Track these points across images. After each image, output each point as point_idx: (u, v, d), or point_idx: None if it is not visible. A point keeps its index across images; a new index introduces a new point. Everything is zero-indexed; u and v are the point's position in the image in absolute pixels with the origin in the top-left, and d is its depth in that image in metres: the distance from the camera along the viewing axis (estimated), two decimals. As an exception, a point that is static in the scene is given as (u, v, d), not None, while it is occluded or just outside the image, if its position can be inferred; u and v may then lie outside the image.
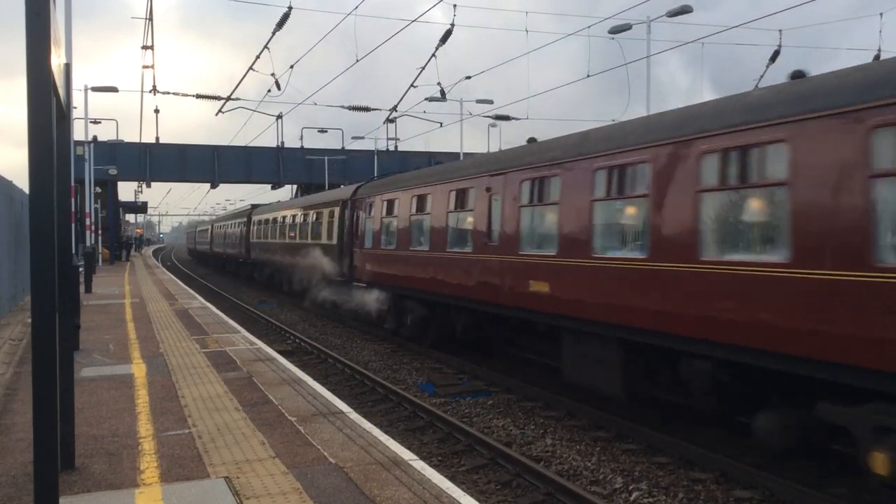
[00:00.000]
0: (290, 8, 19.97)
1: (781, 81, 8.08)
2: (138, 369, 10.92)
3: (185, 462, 6.52)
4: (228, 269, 49.36)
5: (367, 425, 7.78)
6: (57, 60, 4.42)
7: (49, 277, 3.87)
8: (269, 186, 56.36)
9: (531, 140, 13.15)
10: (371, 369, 14.68)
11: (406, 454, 6.77)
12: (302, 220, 26.83)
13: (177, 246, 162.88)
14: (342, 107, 37.42)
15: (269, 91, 25.49)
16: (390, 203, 17.36)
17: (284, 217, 30.08)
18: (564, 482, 7.74)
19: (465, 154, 39.12)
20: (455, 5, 20.60)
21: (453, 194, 14.18)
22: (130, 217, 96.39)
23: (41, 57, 3.78)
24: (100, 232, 45.19)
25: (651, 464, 8.63)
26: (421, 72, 26.08)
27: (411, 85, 27.50)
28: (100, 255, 42.39)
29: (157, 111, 44.93)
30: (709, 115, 8.26)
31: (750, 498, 7.52)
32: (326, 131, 48.97)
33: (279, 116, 43.39)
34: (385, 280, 17.57)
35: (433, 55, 23.68)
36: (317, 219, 24.51)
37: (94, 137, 41.24)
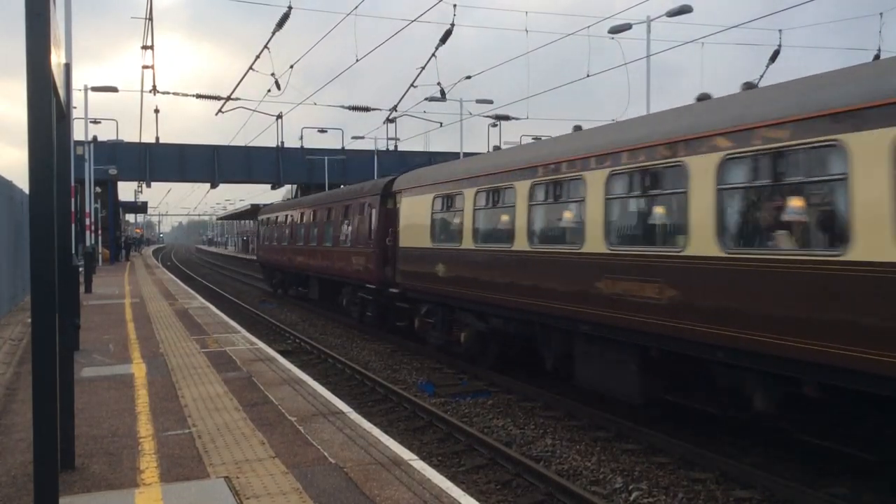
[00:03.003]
0: (289, 8, 19.95)
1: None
2: (138, 369, 10.92)
3: (185, 462, 6.52)
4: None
5: (367, 425, 7.78)
6: (57, 60, 4.42)
7: (49, 277, 3.87)
8: (269, 186, 56.44)
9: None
10: (371, 369, 14.67)
11: (406, 454, 6.77)
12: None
13: (177, 246, 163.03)
14: (342, 106, 37.43)
15: (268, 91, 25.48)
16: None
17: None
18: (564, 482, 7.74)
19: (465, 154, 39.11)
20: (455, 5, 20.57)
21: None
22: (130, 217, 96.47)
23: (41, 57, 3.79)
24: (100, 232, 45.20)
25: (651, 464, 8.63)
26: (421, 71, 26.04)
27: (411, 85, 27.45)
28: (100, 255, 42.41)
29: (156, 111, 44.82)
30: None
31: (750, 498, 7.52)
32: (326, 131, 49.04)
33: (279, 116, 43.37)
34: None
35: (433, 55, 23.64)
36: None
37: (94, 137, 41.25)
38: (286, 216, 29.66)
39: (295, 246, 27.36)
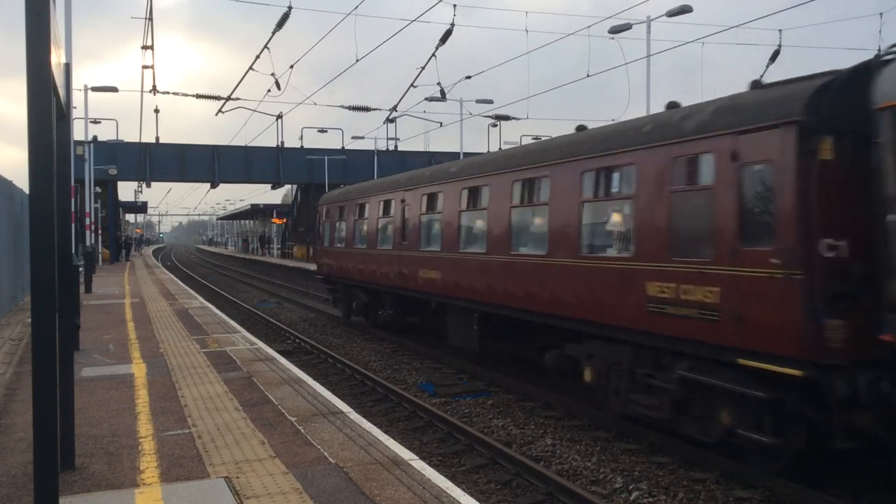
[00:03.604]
0: (289, 8, 19.96)
1: None
2: (138, 369, 10.92)
3: (185, 462, 6.52)
4: None
5: (367, 425, 7.78)
6: (57, 60, 4.42)
7: (49, 277, 3.87)
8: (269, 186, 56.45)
9: None
10: (371, 369, 14.67)
11: (406, 454, 6.77)
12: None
13: (177, 246, 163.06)
14: (342, 106, 37.45)
15: (268, 91, 25.49)
16: None
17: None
18: (564, 482, 7.74)
19: (465, 154, 39.12)
20: (455, 5, 20.57)
21: None
22: (130, 217, 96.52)
23: (41, 57, 3.79)
24: (100, 232, 45.21)
25: (651, 464, 8.63)
26: (421, 71, 26.05)
27: (411, 85, 27.47)
28: (100, 255, 42.42)
29: (157, 111, 44.93)
30: None
31: (750, 498, 7.52)
32: (326, 131, 49.06)
33: (279, 116, 43.40)
34: None
35: (433, 55, 23.64)
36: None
37: (94, 137, 41.26)
38: (382, 202, 18.19)
39: (413, 253, 16.07)
